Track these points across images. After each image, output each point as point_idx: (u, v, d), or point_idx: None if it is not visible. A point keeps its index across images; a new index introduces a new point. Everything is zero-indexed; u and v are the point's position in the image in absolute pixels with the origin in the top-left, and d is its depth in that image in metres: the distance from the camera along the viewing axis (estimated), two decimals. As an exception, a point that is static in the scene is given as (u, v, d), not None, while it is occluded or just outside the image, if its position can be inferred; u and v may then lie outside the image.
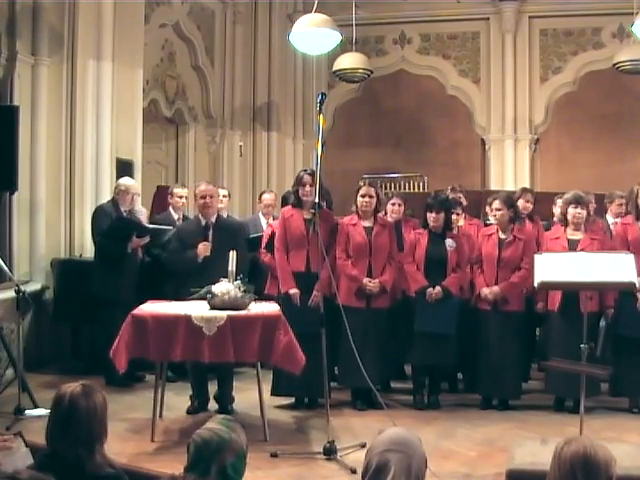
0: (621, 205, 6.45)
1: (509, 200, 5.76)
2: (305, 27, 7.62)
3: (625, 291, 5.27)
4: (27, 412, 5.02)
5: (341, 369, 5.71)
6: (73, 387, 2.59)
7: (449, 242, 5.69)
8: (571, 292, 5.30)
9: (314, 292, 5.34)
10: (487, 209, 6.24)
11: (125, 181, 6.56)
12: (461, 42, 11.33)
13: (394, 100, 11.42)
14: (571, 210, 5.54)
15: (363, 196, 5.64)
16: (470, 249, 5.82)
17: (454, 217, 5.97)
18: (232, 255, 4.96)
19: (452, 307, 5.58)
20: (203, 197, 5.62)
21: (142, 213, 6.87)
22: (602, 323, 5.62)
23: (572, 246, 5.43)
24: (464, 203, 6.55)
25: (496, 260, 5.62)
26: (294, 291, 5.47)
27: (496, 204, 5.68)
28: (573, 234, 5.54)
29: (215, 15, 10.12)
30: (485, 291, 5.58)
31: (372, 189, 5.71)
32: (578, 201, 5.57)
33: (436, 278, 5.61)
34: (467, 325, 5.68)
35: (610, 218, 6.54)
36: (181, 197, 6.90)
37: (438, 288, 5.57)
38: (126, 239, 6.22)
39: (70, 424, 2.52)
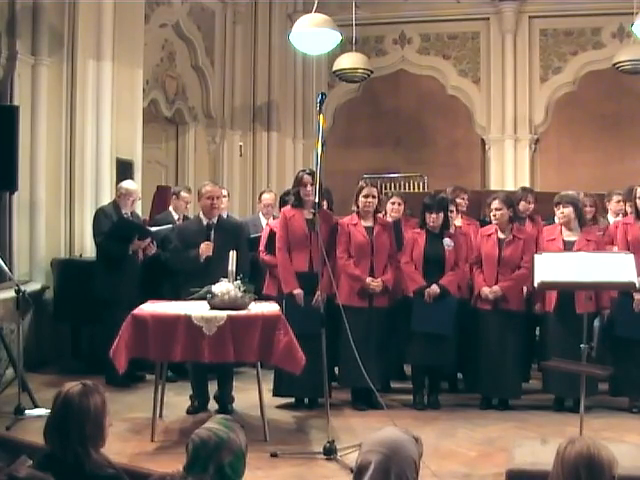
0: (619, 202, 6.46)
1: (508, 200, 5.76)
2: (305, 27, 7.62)
3: (624, 292, 5.29)
4: (27, 412, 5.02)
5: (342, 369, 5.71)
6: (72, 386, 2.59)
7: (447, 242, 5.69)
8: (566, 293, 5.31)
9: (317, 293, 5.32)
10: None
11: (127, 185, 6.55)
12: (461, 42, 11.32)
13: (394, 100, 11.41)
14: (556, 210, 5.60)
15: (366, 196, 5.63)
16: (468, 249, 5.83)
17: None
18: (232, 255, 4.97)
19: (450, 307, 5.59)
20: (210, 198, 5.60)
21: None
22: (596, 323, 5.64)
23: (568, 247, 5.45)
24: (464, 205, 6.55)
25: (496, 260, 5.63)
26: (298, 291, 5.46)
27: (496, 204, 5.68)
28: (569, 235, 5.56)
29: (215, 15, 10.12)
30: (485, 291, 5.59)
31: (374, 189, 5.71)
32: (558, 201, 5.61)
33: (434, 278, 5.61)
34: (467, 325, 5.68)
35: (611, 217, 6.54)
36: (188, 202, 6.98)
37: (434, 286, 5.57)
38: (128, 240, 6.24)
39: (62, 423, 2.52)
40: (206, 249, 5.52)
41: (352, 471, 3.94)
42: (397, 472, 2.12)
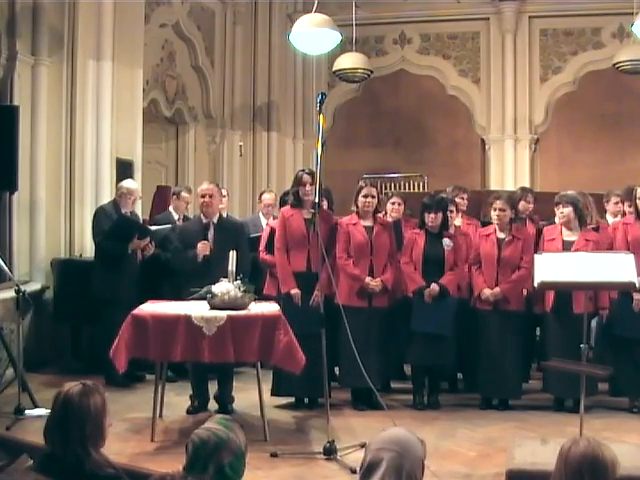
0: (617, 203, 6.45)
1: (511, 200, 5.78)
2: (305, 27, 7.63)
3: (624, 292, 5.29)
4: (27, 412, 5.02)
5: (342, 369, 5.71)
6: (72, 386, 2.59)
7: (446, 241, 5.69)
8: (564, 293, 5.31)
9: (315, 292, 5.33)
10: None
11: (128, 184, 6.55)
12: (461, 42, 11.32)
13: (394, 100, 11.41)
14: (556, 210, 5.60)
15: (366, 196, 5.64)
16: (468, 248, 5.83)
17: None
18: (232, 255, 4.97)
19: (450, 307, 5.59)
20: (203, 196, 5.63)
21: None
22: (593, 323, 5.64)
23: (567, 247, 5.45)
24: (464, 204, 6.55)
25: (496, 260, 5.63)
26: (295, 291, 5.47)
27: (499, 204, 5.67)
28: (569, 235, 5.56)
29: (215, 15, 10.12)
30: (486, 292, 5.58)
31: (374, 189, 5.72)
32: (558, 201, 5.62)
33: (434, 278, 5.61)
34: (466, 325, 5.68)
35: (610, 217, 6.53)
36: (188, 202, 7.01)
37: (434, 285, 5.57)
38: (128, 239, 6.24)
39: (62, 422, 2.52)
40: (203, 248, 5.52)
41: (352, 471, 3.99)
42: (408, 470, 2.11)
